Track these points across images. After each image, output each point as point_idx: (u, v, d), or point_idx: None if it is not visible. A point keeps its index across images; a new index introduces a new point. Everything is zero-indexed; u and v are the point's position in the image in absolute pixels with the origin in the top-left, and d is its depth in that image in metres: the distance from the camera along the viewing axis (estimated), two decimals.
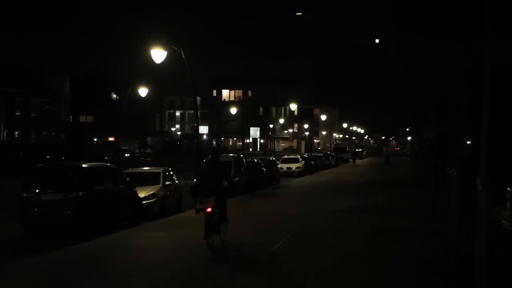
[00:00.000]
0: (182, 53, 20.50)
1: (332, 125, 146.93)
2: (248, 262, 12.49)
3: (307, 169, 52.52)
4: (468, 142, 23.01)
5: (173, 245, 14.54)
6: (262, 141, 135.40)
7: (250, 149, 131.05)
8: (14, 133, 72.61)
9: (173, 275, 11.15)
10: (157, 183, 22.65)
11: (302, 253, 13.31)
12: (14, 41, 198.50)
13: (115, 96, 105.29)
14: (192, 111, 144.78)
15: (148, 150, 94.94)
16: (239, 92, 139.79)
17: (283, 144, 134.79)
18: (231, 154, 40.18)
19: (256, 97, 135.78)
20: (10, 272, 11.77)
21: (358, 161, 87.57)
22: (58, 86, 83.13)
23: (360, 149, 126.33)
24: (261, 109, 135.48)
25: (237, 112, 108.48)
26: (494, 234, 8.49)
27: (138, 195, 20.52)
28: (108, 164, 22.72)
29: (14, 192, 20.51)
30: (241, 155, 39.77)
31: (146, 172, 24.21)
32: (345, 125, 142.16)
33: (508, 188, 14.97)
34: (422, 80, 37.68)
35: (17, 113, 72.50)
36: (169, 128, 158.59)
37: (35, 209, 16.96)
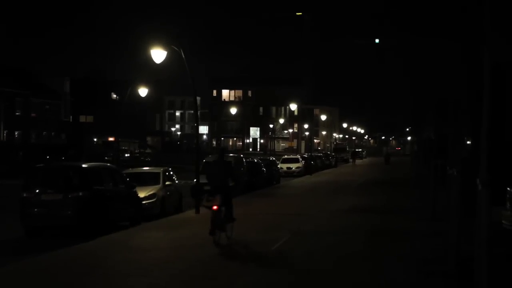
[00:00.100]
0: (182, 53, 20.48)
1: (332, 125, 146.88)
2: (248, 263, 12.49)
3: (307, 169, 52.51)
4: (468, 142, 23.00)
5: (173, 245, 14.54)
6: (262, 141, 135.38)
7: (250, 149, 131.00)
8: (14, 133, 72.62)
9: (173, 275, 11.16)
10: (157, 183, 22.65)
11: (302, 253, 13.31)
12: (14, 41, 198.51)
13: (115, 96, 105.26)
14: (192, 111, 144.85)
15: (148, 150, 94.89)
16: (239, 92, 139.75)
17: (283, 144, 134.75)
18: (231, 154, 40.16)
19: (256, 97, 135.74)
20: (10, 272, 11.77)
21: (358, 161, 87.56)
22: (58, 86, 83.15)
23: (360, 149, 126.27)
24: (261, 109, 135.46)
25: (237, 112, 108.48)
26: (494, 234, 8.49)
27: (138, 195, 20.52)
28: (108, 164, 22.72)
29: (14, 192, 20.50)
30: (241, 155, 39.78)
31: (146, 172, 24.21)
32: (345, 125, 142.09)
33: (508, 188, 14.97)
34: (422, 80, 37.68)
35: (17, 113, 72.51)
36: (169, 128, 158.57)
37: (35, 209, 16.96)
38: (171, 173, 24.89)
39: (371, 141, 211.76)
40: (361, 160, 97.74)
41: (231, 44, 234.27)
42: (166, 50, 20.39)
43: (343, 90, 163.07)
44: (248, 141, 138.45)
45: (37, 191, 17.13)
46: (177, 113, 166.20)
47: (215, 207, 14.44)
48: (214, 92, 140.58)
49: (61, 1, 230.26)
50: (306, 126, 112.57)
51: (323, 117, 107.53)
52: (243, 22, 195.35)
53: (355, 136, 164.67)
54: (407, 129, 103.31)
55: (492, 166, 8.31)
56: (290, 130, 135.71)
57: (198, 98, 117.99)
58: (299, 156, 60.40)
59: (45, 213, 16.92)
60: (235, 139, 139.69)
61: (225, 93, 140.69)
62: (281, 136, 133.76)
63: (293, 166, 53.54)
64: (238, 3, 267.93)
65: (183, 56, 20.54)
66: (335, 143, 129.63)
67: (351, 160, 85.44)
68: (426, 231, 16.40)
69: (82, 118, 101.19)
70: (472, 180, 8.84)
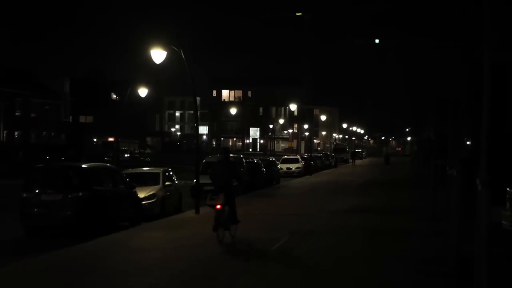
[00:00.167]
0: (182, 53, 20.48)
1: (332, 126, 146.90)
2: (248, 263, 12.49)
3: (307, 170, 52.49)
4: (468, 143, 23.02)
5: (173, 245, 14.55)
6: (262, 141, 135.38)
7: (250, 150, 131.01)
8: (14, 133, 72.64)
9: (173, 275, 11.16)
10: (156, 183, 22.65)
11: (301, 253, 13.32)
12: (14, 42, 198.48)
13: (115, 96, 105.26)
14: (192, 111, 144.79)
15: (148, 151, 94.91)
16: (239, 93, 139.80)
17: (283, 145, 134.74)
18: (231, 155, 40.12)
19: (256, 97, 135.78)
20: (10, 272, 11.77)
21: (357, 162, 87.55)
22: (58, 86, 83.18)
23: (360, 150, 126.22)
24: (260, 109, 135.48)
25: (237, 113, 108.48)
26: (494, 234, 8.49)
27: (138, 195, 20.52)
28: (108, 165, 22.72)
29: (14, 192, 20.50)
30: (241, 156, 39.78)
31: (145, 173, 24.22)
32: (344, 126, 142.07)
33: (508, 189, 14.98)
34: (422, 80, 37.67)
35: (17, 113, 72.54)
36: (169, 128, 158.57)
37: (35, 209, 16.96)
38: (171, 173, 24.88)
39: (371, 141, 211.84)
40: (361, 161, 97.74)
41: (231, 44, 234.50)
42: (166, 50, 20.39)
43: (343, 90, 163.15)
44: (248, 141, 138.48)
45: (37, 191, 17.13)
46: (177, 114, 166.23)
47: (218, 206, 14.69)
48: (214, 92, 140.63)
49: (61, 1, 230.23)
50: (306, 126, 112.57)
51: (323, 117, 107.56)
52: (243, 22, 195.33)
53: (355, 136, 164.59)
54: (407, 129, 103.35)
55: (492, 166, 8.31)
56: (290, 131, 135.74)
57: (198, 99, 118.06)
58: (298, 157, 60.40)
59: (45, 213, 16.91)
60: (235, 139, 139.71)
61: (225, 93, 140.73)
62: (281, 136, 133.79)
63: (293, 166, 53.55)
64: (238, 3, 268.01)
65: (183, 56, 20.54)
66: (335, 143, 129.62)
67: (350, 161, 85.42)
68: (426, 231, 16.40)
69: (82, 118, 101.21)
70: (472, 180, 8.84)
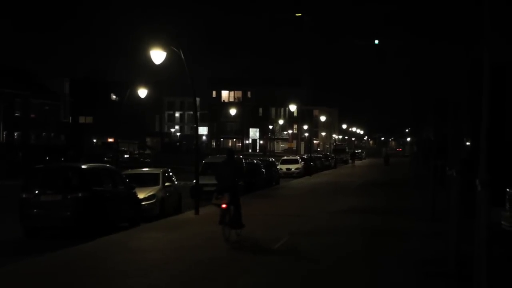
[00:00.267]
0: (181, 54, 20.47)
1: (332, 126, 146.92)
2: (248, 263, 12.48)
3: (307, 170, 52.48)
4: (468, 143, 23.01)
5: (173, 246, 14.54)
6: (261, 142, 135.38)
7: (250, 150, 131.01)
8: (14, 134, 72.62)
9: (173, 276, 11.15)
10: (156, 184, 22.64)
11: (301, 254, 13.31)
12: (13, 42, 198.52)
13: (114, 97, 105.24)
14: (192, 112, 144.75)
15: (148, 151, 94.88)
16: (239, 93, 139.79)
17: (282, 145, 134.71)
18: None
19: (256, 98, 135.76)
20: (10, 272, 11.76)
21: (357, 162, 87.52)
22: (58, 87, 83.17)
23: (360, 150, 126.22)
24: (260, 110, 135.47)
25: (236, 113, 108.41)
26: (494, 235, 8.49)
27: (138, 196, 20.51)
28: (108, 165, 22.71)
29: (13, 192, 20.48)
30: (241, 156, 39.77)
31: (145, 173, 24.20)
32: (344, 126, 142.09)
33: (508, 189, 14.98)
34: (421, 80, 37.69)
35: (16, 114, 72.52)
36: (169, 129, 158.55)
37: (35, 210, 16.95)
38: (171, 174, 24.86)
39: (371, 142, 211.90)
40: (360, 161, 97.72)
41: (231, 44, 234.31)
42: (165, 51, 20.38)
43: (342, 90, 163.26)
44: (247, 142, 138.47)
45: (37, 192, 17.12)
46: (177, 114, 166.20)
47: (224, 205, 14.88)
48: (214, 93, 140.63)
49: (61, 2, 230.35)
50: (305, 127, 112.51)
51: (323, 118, 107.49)
52: (243, 22, 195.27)
53: (354, 137, 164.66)
54: (407, 130, 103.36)
55: (491, 166, 8.31)
56: (290, 131, 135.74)
57: (198, 99, 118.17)
58: (298, 157, 60.40)
59: (44, 214, 16.90)
60: (234, 140, 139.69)
61: (224, 94, 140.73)
62: (280, 137, 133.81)
63: (293, 167, 53.54)
64: (238, 3, 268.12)
65: (183, 57, 20.53)
66: (334, 144, 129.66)
67: (350, 161, 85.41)
68: (426, 231, 16.40)
69: (82, 119, 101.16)
70: (471, 180, 8.84)
